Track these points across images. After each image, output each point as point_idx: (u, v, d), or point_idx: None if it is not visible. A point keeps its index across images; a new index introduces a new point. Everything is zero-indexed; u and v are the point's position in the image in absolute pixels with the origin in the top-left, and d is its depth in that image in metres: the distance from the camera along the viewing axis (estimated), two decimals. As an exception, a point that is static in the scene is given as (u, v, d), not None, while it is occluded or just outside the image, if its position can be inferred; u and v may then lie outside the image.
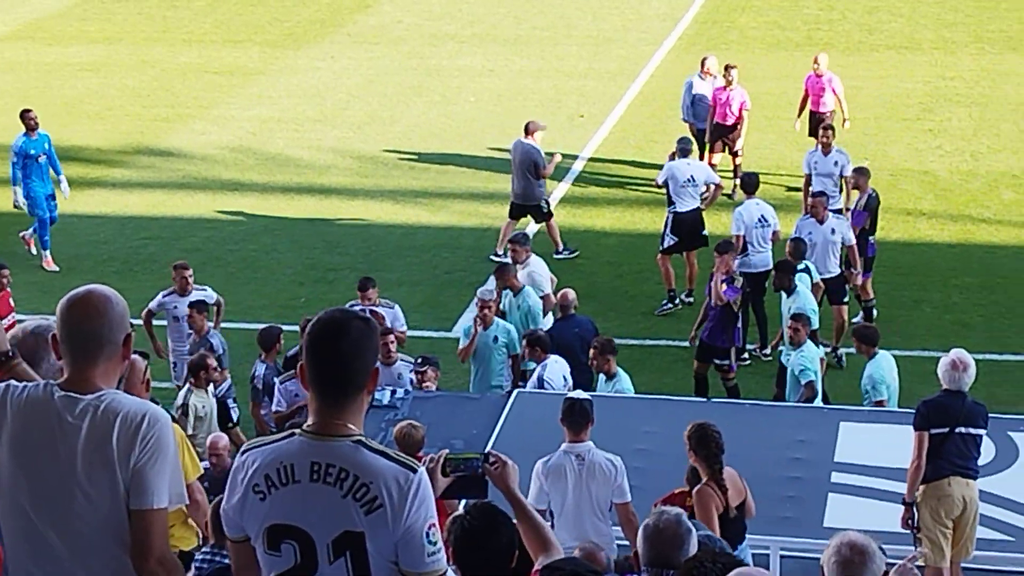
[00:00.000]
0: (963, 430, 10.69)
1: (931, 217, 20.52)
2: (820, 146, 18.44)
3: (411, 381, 13.85)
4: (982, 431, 10.81)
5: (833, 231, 16.36)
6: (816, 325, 14.68)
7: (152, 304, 15.89)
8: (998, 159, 22.50)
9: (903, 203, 20.95)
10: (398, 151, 23.53)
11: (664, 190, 18.09)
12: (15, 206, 19.53)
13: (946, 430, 10.62)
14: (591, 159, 22.89)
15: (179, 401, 13.59)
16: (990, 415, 12.67)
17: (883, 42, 28.67)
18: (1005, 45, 28.20)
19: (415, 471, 4.46)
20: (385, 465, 4.44)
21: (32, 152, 19.46)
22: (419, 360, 14.15)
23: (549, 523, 9.93)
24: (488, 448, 11.81)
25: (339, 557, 4.42)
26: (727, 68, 21.08)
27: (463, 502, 6.69)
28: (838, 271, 16.45)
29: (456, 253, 19.71)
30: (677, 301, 17.73)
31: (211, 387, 13.87)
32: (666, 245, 17.72)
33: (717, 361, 15.26)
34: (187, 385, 13.73)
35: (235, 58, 28.96)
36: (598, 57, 28.41)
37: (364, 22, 31.47)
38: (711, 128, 20.94)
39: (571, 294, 15.21)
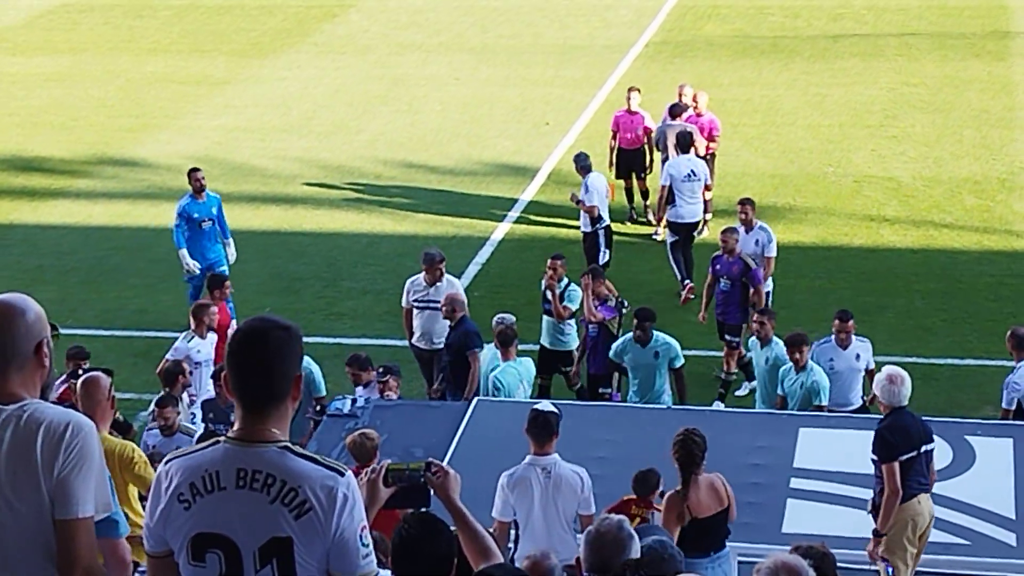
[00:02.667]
0: (926, 448, 10.73)
1: (894, 223, 20.62)
2: (740, 223, 16.69)
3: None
4: (935, 444, 10.86)
5: (858, 357, 14.00)
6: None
7: (170, 355, 14.45)
8: (960, 165, 22.63)
9: (867, 209, 21.06)
10: (363, 160, 23.55)
11: (582, 207, 18.11)
12: (185, 270, 17.55)
13: (914, 453, 10.63)
14: (556, 167, 22.92)
15: (151, 408, 13.41)
16: (951, 419, 12.84)
17: (847, 49, 28.80)
18: (967, 52, 28.37)
19: (343, 474, 4.45)
20: (312, 469, 4.42)
21: (195, 216, 17.54)
22: (381, 370, 14.11)
23: (515, 535, 9.97)
24: (448, 456, 11.87)
25: (265, 565, 4.39)
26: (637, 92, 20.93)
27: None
28: (860, 402, 14.03)
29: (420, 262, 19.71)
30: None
31: (185, 396, 13.76)
32: (606, 259, 17.84)
33: (600, 390, 15.12)
34: (161, 393, 13.59)
35: (201, 68, 28.92)
36: (564, 65, 28.47)
37: (330, 32, 31.47)
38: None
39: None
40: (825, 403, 13.55)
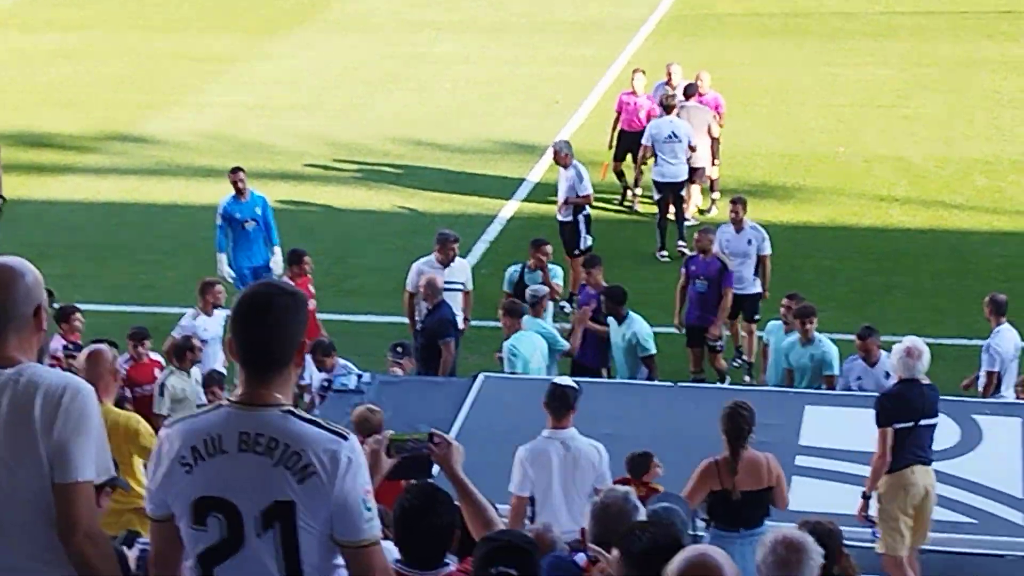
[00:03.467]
0: (925, 422, 10.70)
1: (904, 203, 20.56)
2: (731, 223, 16.06)
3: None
4: (938, 419, 10.83)
5: (887, 375, 12.71)
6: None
7: (176, 332, 14.12)
8: (972, 145, 22.56)
9: (877, 189, 20.99)
10: (373, 138, 23.50)
11: (574, 201, 17.70)
12: (220, 277, 16.32)
13: (911, 424, 10.61)
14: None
15: (158, 381, 13.39)
16: (957, 398, 12.78)
17: (860, 29, 28.72)
18: (980, 32, 28.26)
19: (347, 438, 4.43)
20: (316, 433, 4.41)
21: (237, 216, 16.75)
22: (399, 349, 14.02)
23: (531, 511, 9.95)
24: (454, 431, 11.85)
25: (268, 529, 4.36)
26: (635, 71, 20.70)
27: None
28: None
29: (430, 240, 19.57)
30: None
31: (194, 371, 13.74)
32: (588, 244, 17.61)
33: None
34: (169, 367, 13.61)
35: (211, 45, 28.89)
36: (576, 44, 28.39)
37: (341, 9, 31.41)
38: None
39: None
40: (836, 373, 13.53)
